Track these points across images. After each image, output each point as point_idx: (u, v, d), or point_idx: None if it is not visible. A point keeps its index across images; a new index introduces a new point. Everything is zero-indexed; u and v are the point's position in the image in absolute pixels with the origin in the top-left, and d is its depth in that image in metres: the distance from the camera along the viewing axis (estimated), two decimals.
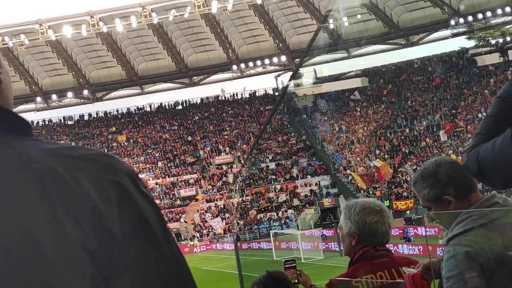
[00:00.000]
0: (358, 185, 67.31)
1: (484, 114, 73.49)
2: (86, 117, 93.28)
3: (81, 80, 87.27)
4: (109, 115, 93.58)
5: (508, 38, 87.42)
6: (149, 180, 78.00)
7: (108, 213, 1.20)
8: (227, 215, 71.90)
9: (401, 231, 42.93)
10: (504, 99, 2.70)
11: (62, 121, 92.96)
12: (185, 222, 69.19)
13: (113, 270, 1.18)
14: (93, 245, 1.17)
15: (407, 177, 67.97)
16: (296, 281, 5.10)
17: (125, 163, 1.30)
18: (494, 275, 3.10)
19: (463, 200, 3.33)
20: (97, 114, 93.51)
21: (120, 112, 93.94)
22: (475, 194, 3.35)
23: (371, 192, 66.35)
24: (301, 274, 5.19)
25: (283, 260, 5.32)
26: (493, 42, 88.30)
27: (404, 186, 67.53)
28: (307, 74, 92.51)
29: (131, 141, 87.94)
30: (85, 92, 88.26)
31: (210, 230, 69.73)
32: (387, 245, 4.10)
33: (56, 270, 1.13)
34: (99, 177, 1.23)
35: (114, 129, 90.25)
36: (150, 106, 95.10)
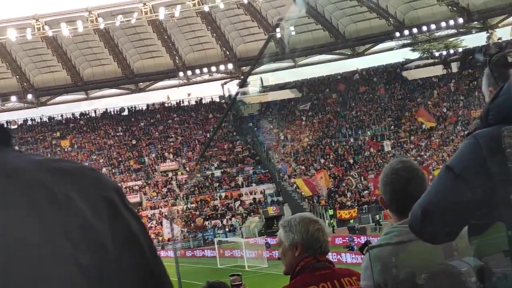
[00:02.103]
0: (302, 193, 67.64)
1: (426, 128, 74.62)
2: (29, 122, 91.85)
3: (25, 84, 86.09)
4: (53, 120, 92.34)
5: (452, 51, 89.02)
6: None
7: (100, 228, 1.19)
8: (174, 224, 71.54)
9: (345, 240, 43.24)
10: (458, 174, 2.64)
11: (5, 126, 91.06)
12: None
13: (104, 284, 1.17)
14: (85, 260, 1.15)
15: (355, 184, 68.57)
16: None
17: (110, 178, 1.28)
18: None
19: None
20: (41, 119, 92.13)
21: (64, 117, 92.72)
22: None
23: (315, 201, 66.72)
24: None
25: (229, 275, 5.34)
26: (436, 54, 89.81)
27: (348, 196, 68.10)
28: (254, 83, 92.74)
29: (75, 146, 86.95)
30: (29, 96, 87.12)
31: (154, 237, 69.28)
32: (329, 256, 4.19)
33: (50, 285, 1.11)
34: (89, 192, 1.22)
35: (58, 134, 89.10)
36: (95, 112, 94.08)
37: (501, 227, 2.51)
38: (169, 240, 66.83)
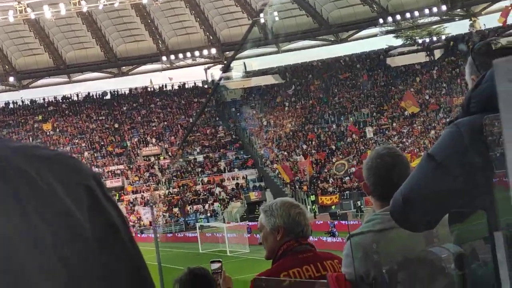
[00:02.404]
0: (283, 178, 67.80)
1: (408, 113, 74.89)
2: (11, 105, 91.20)
3: (6, 67, 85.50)
4: (35, 103, 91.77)
5: (435, 38, 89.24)
6: None
7: (80, 217, 1.16)
8: (152, 206, 71.39)
9: (326, 226, 43.42)
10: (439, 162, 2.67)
11: None
12: None
13: (85, 276, 1.15)
14: (65, 251, 1.12)
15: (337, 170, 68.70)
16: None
17: (88, 166, 1.26)
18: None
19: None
20: (22, 102, 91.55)
21: (46, 100, 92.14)
22: None
23: (297, 187, 66.88)
24: (221, 277, 5.22)
25: (210, 261, 5.34)
26: (420, 41, 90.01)
27: (330, 181, 68.27)
28: (237, 68, 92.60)
29: (57, 130, 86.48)
30: (11, 79, 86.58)
31: (136, 221, 69.22)
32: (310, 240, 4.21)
33: (31, 277, 1.08)
34: (69, 180, 1.19)
35: (40, 117, 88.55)
36: (78, 95, 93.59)
37: (482, 214, 2.52)
38: (150, 224, 66.77)
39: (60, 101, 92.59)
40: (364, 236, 3.42)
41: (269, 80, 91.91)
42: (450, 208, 2.71)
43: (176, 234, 61.40)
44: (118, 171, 78.51)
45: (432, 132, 71.56)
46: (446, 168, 2.61)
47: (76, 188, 1.19)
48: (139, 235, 63.33)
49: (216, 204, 70.14)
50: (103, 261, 1.18)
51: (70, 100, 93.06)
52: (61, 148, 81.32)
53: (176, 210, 69.59)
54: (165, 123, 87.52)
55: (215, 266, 5.26)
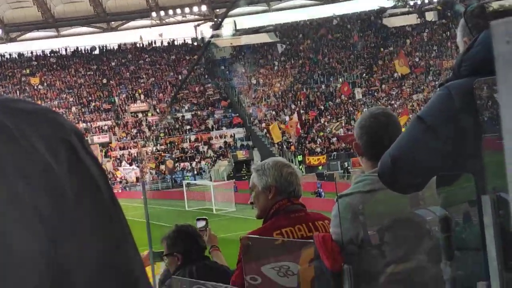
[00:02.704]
0: (272, 137, 67.81)
1: (399, 74, 74.86)
2: None
3: None
4: (23, 56, 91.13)
5: (426, 0, 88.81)
6: None
7: (59, 172, 1.13)
8: (141, 164, 71.46)
9: (313, 186, 43.56)
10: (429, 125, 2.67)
11: None
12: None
13: (62, 231, 1.12)
14: (44, 206, 1.09)
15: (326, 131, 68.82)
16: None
17: (70, 121, 1.24)
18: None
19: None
20: (10, 55, 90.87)
21: (34, 54, 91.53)
22: None
23: (285, 147, 66.94)
24: (207, 234, 5.24)
25: (196, 218, 5.36)
26: (411, 3, 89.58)
27: (318, 142, 68.37)
28: (227, 26, 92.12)
29: (45, 84, 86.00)
30: None
31: (123, 177, 69.25)
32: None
33: (10, 228, 1.05)
34: (49, 134, 1.16)
35: (28, 71, 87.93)
36: (66, 50, 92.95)
37: (470, 178, 2.52)
38: (137, 180, 66.90)
39: (48, 55, 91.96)
40: (353, 197, 3.42)
41: (259, 38, 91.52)
42: (438, 171, 2.71)
43: (163, 191, 61.51)
44: (106, 127, 78.31)
45: (420, 95, 71.59)
46: (435, 131, 2.61)
47: (57, 143, 1.16)
48: (126, 189, 63.52)
49: (203, 162, 70.20)
50: (81, 217, 1.16)
51: (58, 54, 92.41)
52: (49, 102, 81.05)
53: (163, 167, 69.60)
54: (154, 79, 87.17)
55: (201, 224, 5.29)
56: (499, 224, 2.29)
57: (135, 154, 72.81)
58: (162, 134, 75.95)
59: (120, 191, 64.53)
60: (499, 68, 0.87)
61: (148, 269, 5.37)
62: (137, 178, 67.53)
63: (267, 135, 70.27)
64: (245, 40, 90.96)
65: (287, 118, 71.97)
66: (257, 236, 3.81)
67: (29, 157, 1.11)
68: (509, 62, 0.85)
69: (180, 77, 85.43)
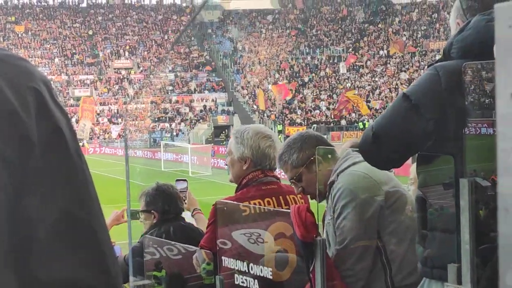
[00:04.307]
0: (254, 105, 67.66)
1: (385, 51, 74.84)
2: None
3: None
4: (8, 3, 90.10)
5: None
6: None
7: (26, 120, 1.12)
8: (119, 120, 71.12)
9: None
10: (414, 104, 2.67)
11: None
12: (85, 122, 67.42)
13: (26, 180, 1.12)
14: (9, 152, 1.09)
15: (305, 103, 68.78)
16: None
17: (39, 70, 1.22)
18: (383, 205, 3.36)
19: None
20: None
21: (21, 2, 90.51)
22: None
23: (265, 115, 66.86)
24: (188, 197, 5.22)
25: (175, 179, 5.33)
26: None
27: (298, 113, 68.34)
28: None
29: (30, 33, 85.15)
30: None
31: (101, 133, 68.94)
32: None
33: None
34: (17, 82, 1.15)
35: (13, 18, 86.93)
36: (53, 0, 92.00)
37: (450, 160, 2.53)
38: (119, 137, 66.56)
39: (35, 4, 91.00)
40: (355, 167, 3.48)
41: (248, 4, 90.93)
42: (418, 149, 2.72)
43: (141, 150, 61.35)
44: (88, 81, 77.80)
45: (406, 74, 71.65)
46: (419, 110, 2.61)
47: (24, 90, 1.15)
48: (103, 148, 63.31)
49: (183, 124, 70.02)
50: (46, 169, 1.15)
51: (45, 4, 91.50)
52: (32, 52, 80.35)
53: (141, 125, 69.30)
54: (139, 37, 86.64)
55: (182, 185, 5.26)
56: (474, 208, 2.30)
57: (115, 111, 72.41)
58: (143, 93, 75.58)
59: (98, 146, 64.28)
60: (498, 52, 0.86)
61: (124, 226, 5.37)
62: (119, 135, 67.14)
63: (248, 102, 70.13)
64: (234, 4, 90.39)
65: (269, 86, 71.79)
66: (230, 202, 3.80)
67: None
68: (509, 47, 0.84)
69: (166, 37, 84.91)
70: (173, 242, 4.30)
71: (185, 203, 5.20)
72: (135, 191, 5.35)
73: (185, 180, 5.34)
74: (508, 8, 0.84)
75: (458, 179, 2.35)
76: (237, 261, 3.40)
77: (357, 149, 2.99)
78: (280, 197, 3.99)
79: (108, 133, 68.78)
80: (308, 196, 3.84)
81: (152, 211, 5.05)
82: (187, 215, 5.26)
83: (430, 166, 2.77)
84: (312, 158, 3.55)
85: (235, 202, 3.76)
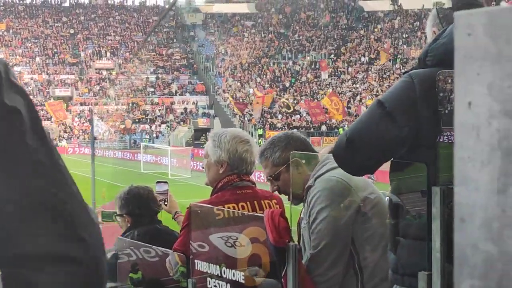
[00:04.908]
0: (234, 110, 67.67)
1: (367, 58, 75.08)
2: None
3: None
4: None
5: None
6: (24, 74, 75.46)
7: None
8: (105, 122, 70.80)
9: None
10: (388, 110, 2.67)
11: None
12: (57, 122, 67.21)
13: None
14: None
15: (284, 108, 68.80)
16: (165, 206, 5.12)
17: None
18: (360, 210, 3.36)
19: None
20: None
21: (3, 0, 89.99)
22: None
23: (246, 119, 66.83)
24: (169, 200, 5.18)
25: (156, 181, 5.30)
26: None
27: (279, 117, 68.38)
28: None
29: (11, 31, 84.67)
30: None
31: (81, 133, 68.63)
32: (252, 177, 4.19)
33: None
34: None
35: None
36: None
37: (423, 168, 2.53)
38: (95, 138, 66.23)
39: (17, 2, 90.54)
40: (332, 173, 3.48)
41: (231, 8, 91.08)
42: (392, 156, 2.72)
43: (120, 151, 61.12)
44: (69, 81, 77.44)
45: (387, 81, 71.92)
46: (393, 117, 2.61)
47: None
48: (82, 148, 62.91)
49: (163, 126, 69.90)
50: (4, 150, 1.12)
51: (27, 2, 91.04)
52: (13, 50, 79.90)
53: (122, 126, 69.09)
54: (121, 38, 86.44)
55: (163, 187, 5.21)
56: (446, 216, 2.30)
57: (96, 111, 72.09)
58: (124, 94, 75.39)
59: (77, 146, 63.89)
60: (457, 60, 0.87)
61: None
62: (95, 137, 66.68)
63: (229, 105, 70.10)
64: (218, 8, 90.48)
65: (251, 90, 71.82)
66: (206, 205, 3.79)
67: None
68: (468, 55, 0.84)
69: (148, 39, 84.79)
70: (148, 245, 4.28)
71: (166, 206, 5.16)
72: (114, 192, 5.33)
73: (166, 182, 5.30)
74: (467, 16, 0.84)
75: (431, 187, 2.35)
76: (210, 264, 3.39)
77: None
78: (255, 201, 3.98)
79: (87, 134, 68.41)
80: (283, 200, 3.86)
81: (125, 215, 5.03)
82: None
83: (403, 174, 2.77)
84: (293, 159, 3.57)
85: (209, 206, 3.74)
